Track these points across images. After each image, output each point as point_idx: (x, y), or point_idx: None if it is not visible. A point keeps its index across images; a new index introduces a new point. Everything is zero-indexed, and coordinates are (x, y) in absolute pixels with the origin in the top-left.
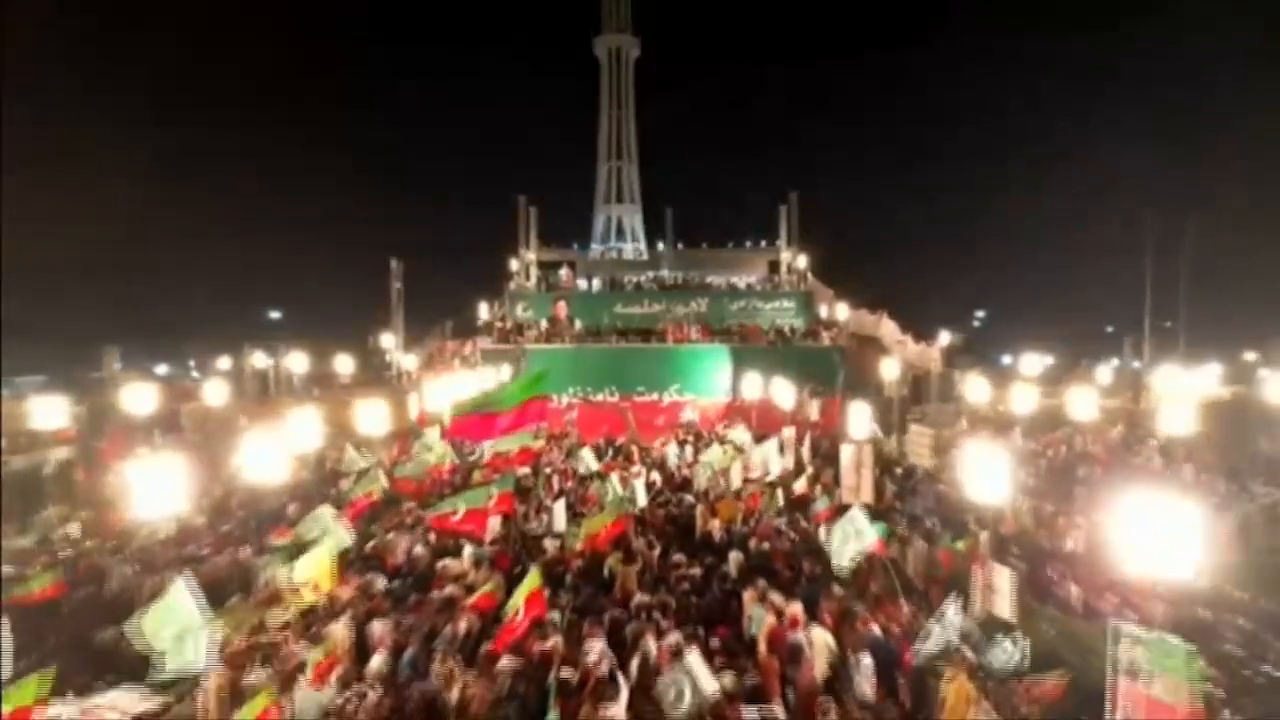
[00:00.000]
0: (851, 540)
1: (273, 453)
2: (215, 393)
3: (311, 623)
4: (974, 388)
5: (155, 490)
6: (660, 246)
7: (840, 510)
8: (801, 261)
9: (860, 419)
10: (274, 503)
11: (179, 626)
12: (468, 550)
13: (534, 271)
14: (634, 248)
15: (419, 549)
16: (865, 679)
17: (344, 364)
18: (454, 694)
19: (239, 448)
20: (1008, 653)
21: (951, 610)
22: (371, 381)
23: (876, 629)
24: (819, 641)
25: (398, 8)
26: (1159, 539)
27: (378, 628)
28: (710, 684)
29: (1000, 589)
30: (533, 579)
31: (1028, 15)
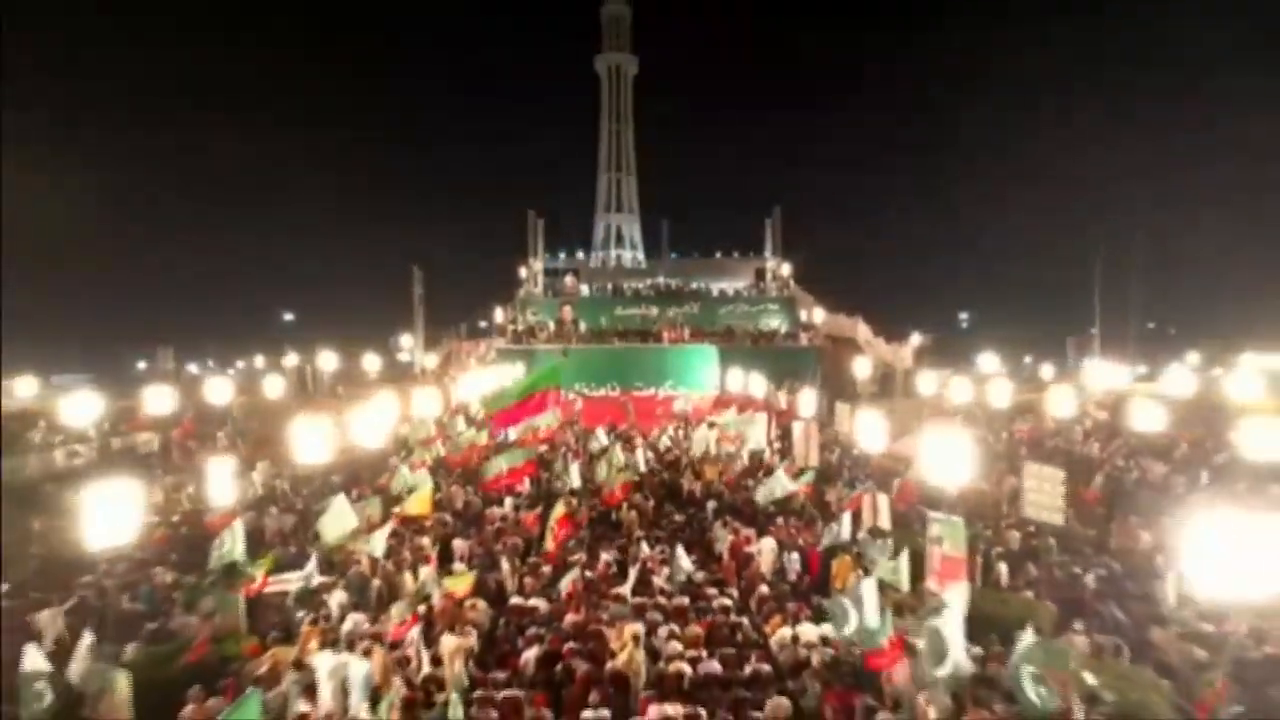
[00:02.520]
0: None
1: (375, 428)
2: (273, 387)
3: (409, 538)
4: (926, 383)
5: (313, 442)
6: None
7: (798, 472)
8: (785, 269)
9: (808, 404)
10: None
11: (345, 525)
12: (508, 500)
13: (541, 279)
14: (632, 255)
15: (472, 498)
16: (792, 568)
17: (371, 362)
18: (514, 582)
19: (347, 424)
20: (879, 547)
21: (844, 523)
22: (397, 378)
23: (801, 540)
24: (766, 547)
25: (418, 33)
26: (950, 461)
27: (459, 544)
28: (690, 567)
29: (881, 509)
30: (559, 510)
31: (1004, 26)
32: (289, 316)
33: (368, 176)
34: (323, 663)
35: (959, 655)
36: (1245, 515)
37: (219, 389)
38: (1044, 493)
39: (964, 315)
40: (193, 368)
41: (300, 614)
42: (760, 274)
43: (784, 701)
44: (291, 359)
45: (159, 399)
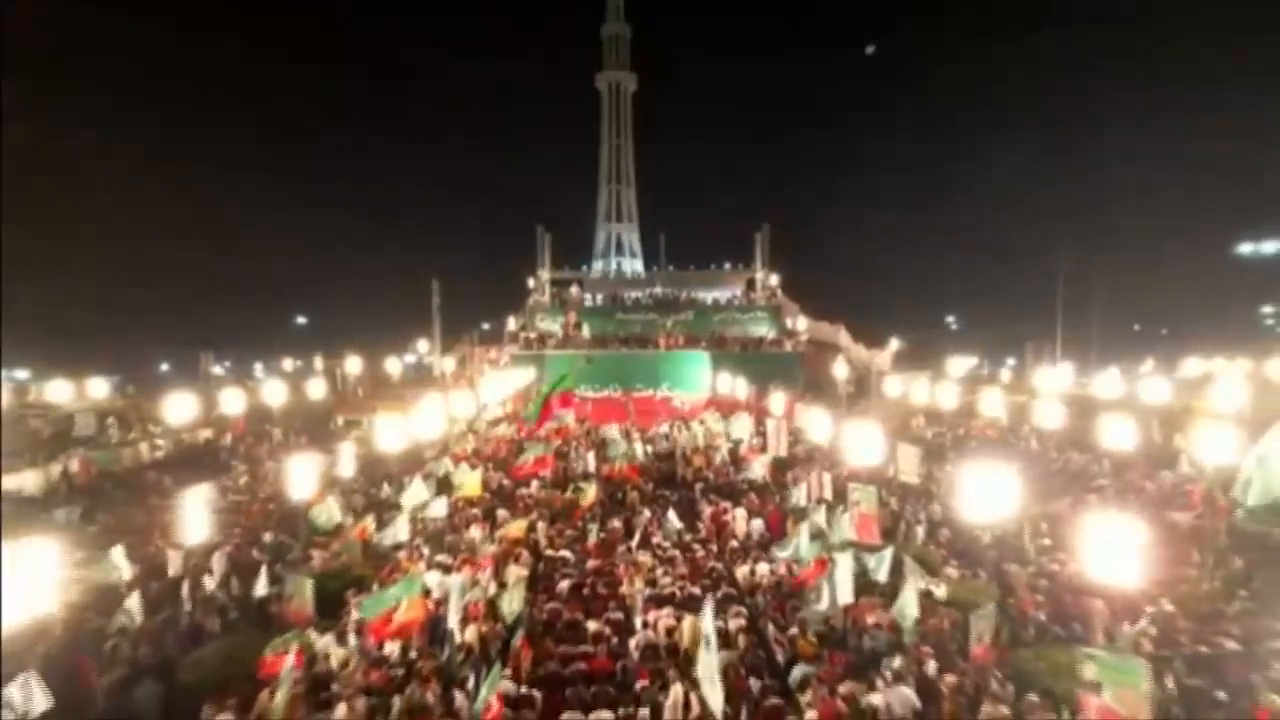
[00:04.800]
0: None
1: (431, 425)
2: (316, 389)
3: (463, 507)
4: (891, 385)
5: (397, 434)
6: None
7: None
8: (773, 280)
9: (779, 404)
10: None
11: (422, 496)
12: (534, 483)
13: (548, 288)
14: (631, 266)
15: (504, 481)
16: (757, 529)
17: (392, 365)
18: (546, 540)
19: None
20: (820, 511)
21: (800, 491)
22: (419, 382)
23: (765, 508)
24: (739, 515)
25: (431, 53)
26: (866, 446)
27: (501, 513)
28: (679, 524)
29: (825, 484)
30: (588, 491)
31: (992, 37)
32: (301, 320)
33: (378, 186)
34: (431, 578)
35: (848, 573)
36: (982, 469)
37: (273, 391)
38: (908, 462)
39: (951, 319)
40: (215, 370)
41: (401, 553)
42: (751, 284)
43: (742, 609)
44: (316, 363)
45: (233, 400)
